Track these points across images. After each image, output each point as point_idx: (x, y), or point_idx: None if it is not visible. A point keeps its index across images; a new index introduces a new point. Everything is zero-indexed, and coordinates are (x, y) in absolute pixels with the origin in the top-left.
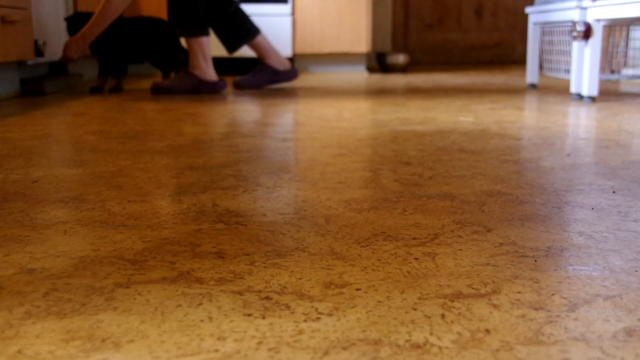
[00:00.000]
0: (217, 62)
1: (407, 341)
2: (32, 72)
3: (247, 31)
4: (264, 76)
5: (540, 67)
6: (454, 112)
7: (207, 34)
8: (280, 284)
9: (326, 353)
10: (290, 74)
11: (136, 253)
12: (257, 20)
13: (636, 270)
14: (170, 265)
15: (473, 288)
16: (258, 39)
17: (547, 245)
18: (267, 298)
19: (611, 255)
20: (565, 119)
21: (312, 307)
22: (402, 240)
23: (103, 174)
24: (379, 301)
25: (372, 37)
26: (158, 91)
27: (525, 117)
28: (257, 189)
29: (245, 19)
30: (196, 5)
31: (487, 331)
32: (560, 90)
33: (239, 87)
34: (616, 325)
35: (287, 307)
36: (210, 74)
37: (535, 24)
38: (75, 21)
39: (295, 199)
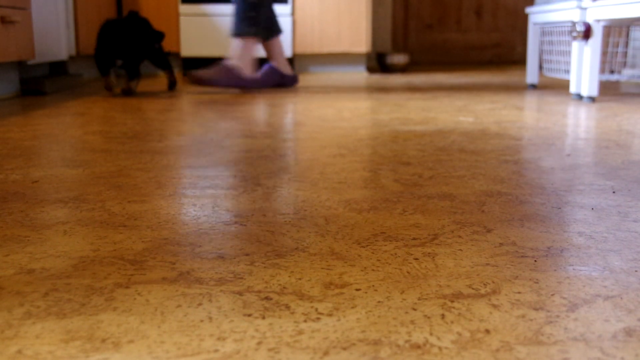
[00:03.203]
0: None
1: (407, 341)
2: (32, 72)
3: (276, 27)
4: (271, 78)
5: (540, 67)
6: (454, 112)
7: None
8: (280, 284)
9: (326, 353)
10: (294, 78)
11: (136, 253)
12: None
13: (636, 271)
14: (170, 265)
15: (473, 288)
16: (278, 38)
17: (547, 246)
18: (267, 298)
19: (611, 255)
20: (565, 119)
21: (312, 307)
22: (402, 241)
23: (103, 174)
24: (378, 301)
25: (372, 37)
26: (200, 82)
27: (525, 117)
28: (257, 189)
29: (275, 15)
30: (261, 8)
31: (487, 331)
32: (560, 90)
33: (249, 91)
34: (616, 326)
35: (287, 307)
36: (251, 71)
37: (535, 24)
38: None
39: (295, 199)
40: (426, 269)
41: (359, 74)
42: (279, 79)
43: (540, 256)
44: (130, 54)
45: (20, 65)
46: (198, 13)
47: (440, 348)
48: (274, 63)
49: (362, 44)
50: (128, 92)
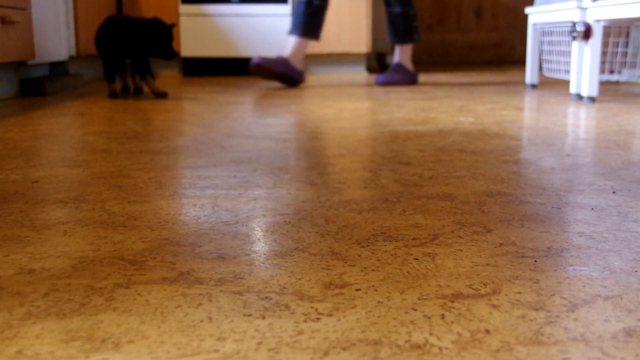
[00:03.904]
0: (226, 62)
1: (407, 341)
2: (32, 72)
3: (311, 30)
4: (280, 65)
5: (540, 67)
6: (454, 112)
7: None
8: (280, 284)
9: (326, 353)
10: (301, 75)
11: (136, 253)
12: (257, 21)
13: (636, 271)
14: (170, 265)
15: (473, 288)
16: (308, 41)
17: (547, 246)
18: (267, 298)
19: (611, 255)
20: (565, 119)
21: (312, 307)
22: (402, 241)
23: (103, 174)
24: (378, 301)
25: (372, 37)
26: (258, 70)
27: (525, 118)
28: (257, 189)
29: (318, 20)
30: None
31: (487, 331)
32: (560, 90)
33: (258, 71)
34: (616, 326)
35: (287, 307)
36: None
37: (535, 24)
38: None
39: (295, 199)
40: (426, 269)
41: (359, 74)
42: (286, 69)
43: (540, 256)
44: (145, 52)
45: (20, 65)
46: (198, 13)
47: (440, 348)
48: (286, 55)
49: (362, 44)
50: (140, 92)
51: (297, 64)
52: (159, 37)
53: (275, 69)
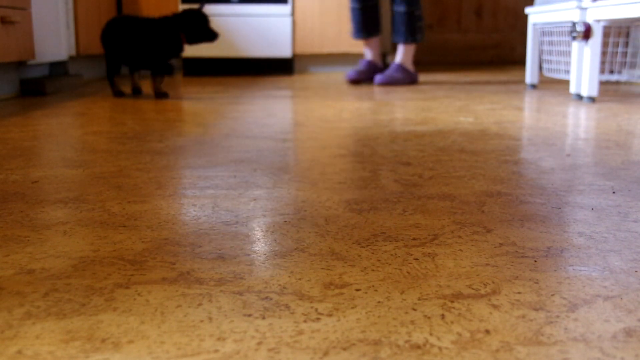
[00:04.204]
0: (226, 62)
1: (407, 341)
2: (32, 72)
3: (370, 28)
4: (370, 71)
5: (540, 68)
6: (453, 112)
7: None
8: (280, 285)
9: (326, 353)
10: (383, 70)
11: (136, 253)
12: (257, 21)
13: (636, 271)
14: (170, 265)
15: (473, 288)
16: (376, 38)
17: (547, 246)
18: (267, 298)
19: (611, 255)
20: (565, 119)
21: (311, 307)
22: (402, 241)
23: (103, 174)
24: (378, 302)
25: None
26: (357, 82)
27: (525, 118)
28: (257, 189)
29: (373, 18)
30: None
31: (487, 332)
32: (560, 90)
33: (357, 83)
34: (616, 326)
35: (287, 307)
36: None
37: (535, 24)
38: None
39: (295, 199)
40: (426, 269)
41: None
42: (373, 73)
43: (540, 256)
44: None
45: (20, 65)
46: None
47: (440, 348)
48: (369, 58)
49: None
50: (138, 92)
51: (379, 61)
52: (200, 23)
53: (371, 75)
